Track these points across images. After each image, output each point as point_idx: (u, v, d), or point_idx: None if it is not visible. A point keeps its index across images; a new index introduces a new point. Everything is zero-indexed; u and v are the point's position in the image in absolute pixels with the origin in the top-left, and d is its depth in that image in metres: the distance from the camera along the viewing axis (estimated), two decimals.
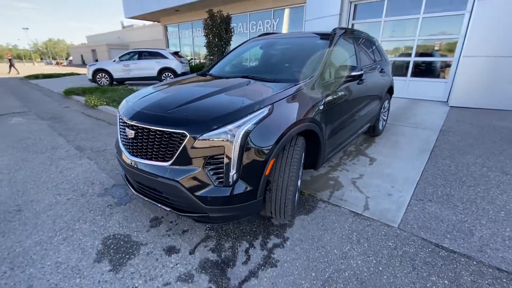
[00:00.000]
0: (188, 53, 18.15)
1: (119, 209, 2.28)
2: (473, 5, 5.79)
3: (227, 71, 2.91)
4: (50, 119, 5.36)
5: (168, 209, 1.77)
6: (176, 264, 1.69)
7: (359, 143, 3.89)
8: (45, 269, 1.64)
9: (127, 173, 1.97)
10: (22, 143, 3.91)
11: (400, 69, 7.36)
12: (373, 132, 3.99)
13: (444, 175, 2.88)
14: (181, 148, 1.59)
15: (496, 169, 3.01)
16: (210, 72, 3.02)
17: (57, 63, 51.88)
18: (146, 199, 1.91)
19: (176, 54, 10.94)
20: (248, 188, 1.65)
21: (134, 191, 2.01)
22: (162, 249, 1.82)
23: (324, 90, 2.23)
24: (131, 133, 1.80)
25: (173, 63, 10.42)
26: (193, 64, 14.91)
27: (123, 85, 9.67)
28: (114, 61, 10.36)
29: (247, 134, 1.58)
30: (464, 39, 6.05)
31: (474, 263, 1.69)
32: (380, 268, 1.65)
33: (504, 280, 1.56)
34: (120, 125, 2.09)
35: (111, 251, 1.79)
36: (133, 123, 1.77)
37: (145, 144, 1.75)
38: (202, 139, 1.55)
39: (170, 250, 1.81)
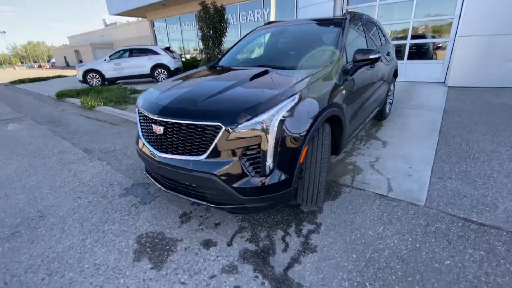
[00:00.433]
0: (177, 48, 17.78)
1: (145, 207, 2.26)
2: None
3: (239, 62, 2.86)
4: (48, 123, 5.20)
5: (204, 203, 1.76)
6: (217, 257, 1.69)
7: (369, 127, 3.92)
8: (85, 272, 1.61)
9: (154, 170, 1.94)
10: (25, 149, 3.79)
11: (396, 53, 7.38)
12: (380, 115, 4.03)
13: (457, 152, 2.95)
14: (216, 140, 1.57)
15: (505, 144, 3.09)
16: (220, 64, 2.97)
17: (40, 66, 50.09)
18: (178, 195, 1.89)
19: (167, 49, 10.69)
20: (284, 177, 1.65)
21: (162, 188, 1.98)
22: (199, 243, 1.82)
23: (343, 75, 2.23)
24: (159, 129, 1.76)
25: (165, 59, 10.19)
26: (184, 59, 14.64)
27: (117, 84, 9.42)
28: (105, 60, 10.06)
29: (281, 123, 1.57)
30: (459, 19, 6.10)
31: (504, 233, 1.75)
32: (418, 245, 1.69)
33: None
34: (142, 122, 2.05)
35: (148, 249, 1.78)
36: (161, 118, 1.73)
37: (175, 139, 1.72)
38: (238, 130, 1.53)
39: (207, 244, 1.81)
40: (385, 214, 2.00)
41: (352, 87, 2.33)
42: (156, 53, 10.24)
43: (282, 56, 2.54)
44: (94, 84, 10.05)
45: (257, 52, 3.02)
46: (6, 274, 1.63)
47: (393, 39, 7.50)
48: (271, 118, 1.55)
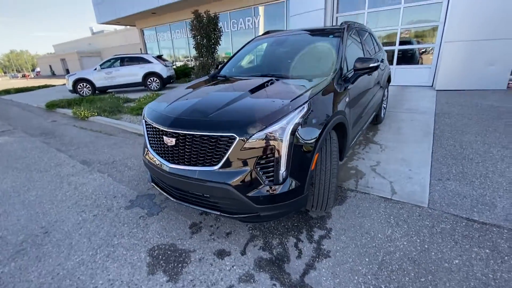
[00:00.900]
0: (167, 56, 17.73)
1: (153, 219, 2.24)
2: None
3: (242, 72, 2.91)
4: (41, 135, 5.08)
5: (217, 212, 1.77)
6: (233, 266, 1.70)
7: (366, 132, 4.03)
8: None
9: (165, 181, 1.94)
10: (20, 162, 3.69)
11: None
12: (376, 120, 4.15)
13: (452, 154, 3.07)
14: (230, 151, 1.60)
15: (496, 144, 3.24)
16: (221, 73, 3.00)
17: (24, 76, 48.72)
18: (189, 205, 1.89)
19: (159, 57, 10.67)
20: (296, 184, 1.69)
21: (172, 199, 1.98)
22: (213, 253, 1.82)
23: (345, 83, 2.31)
24: (171, 141, 1.77)
25: (157, 67, 10.15)
26: (175, 66, 14.60)
27: (108, 94, 9.28)
28: (95, 69, 9.93)
29: (294, 132, 1.61)
30: (444, 26, 6.39)
31: (505, 231, 1.84)
32: (426, 246, 1.75)
33: None
34: (151, 133, 2.05)
35: (161, 262, 1.77)
36: (173, 130, 1.74)
37: (188, 150, 1.73)
38: (252, 140, 1.57)
39: (221, 254, 1.81)
40: (391, 217, 2.06)
41: (353, 95, 2.41)
42: (148, 61, 10.19)
43: (285, 66, 2.61)
44: (84, 94, 9.88)
45: (258, 62, 3.08)
46: None
47: (382, 46, 7.75)
48: (284, 127, 1.59)
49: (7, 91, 13.67)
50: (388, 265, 1.63)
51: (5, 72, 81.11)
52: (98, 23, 17.61)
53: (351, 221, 2.06)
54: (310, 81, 2.11)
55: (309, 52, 2.66)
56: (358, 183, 2.60)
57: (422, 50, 7.29)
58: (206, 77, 3.02)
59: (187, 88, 2.54)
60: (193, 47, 9.67)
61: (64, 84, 10.18)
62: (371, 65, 2.34)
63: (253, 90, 2.04)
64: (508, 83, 6.08)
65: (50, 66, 42.25)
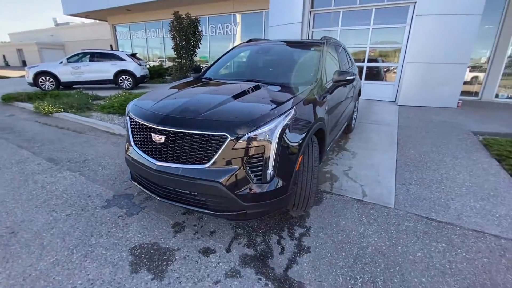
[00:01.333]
0: (140, 56, 17.12)
1: (132, 219, 2.19)
2: (411, 20, 6.85)
3: (227, 75, 2.99)
4: None
5: (204, 211, 1.80)
6: (218, 263, 1.74)
7: (338, 140, 4.31)
8: None
9: (151, 179, 1.92)
10: None
11: None
12: (347, 129, 4.46)
13: (413, 162, 3.43)
14: (221, 149, 1.66)
15: (448, 155, 3.69)
16: (206, 76, 3.05)
17: None
18: (176, 203, 1.90)
19: (133, 56, 10.29)
20: (282, 183, 1.80)
21: (156, 197, 1.96)
22: (197, 251, 1.84)
23: (325, 93, 2.50)
24: (159, 138, 1.78)
25: (131, 65, 9.77)
26: (148, 66, 14.15)
27: (76, 90, 8.67)
28: (61, 63, 9.25)
29: (282, 134, 1.73)
30: (406, 48, 7.11)
31: (458, 228, 2.12)
32: (394, 241, 1.95)
33: (482, 239, 2.00)
34: (136, 130, 2.03)
35: (145, 260, 1.75)
36: (163, 128, 1.76)
37: (177, 148, 1.75)
38: (242, 140, 1.65)
39: (206, 251, 1.84)
40: (363, 216, 2.26)
41: (331, 104, 2.62)
42: (121, 58, 9.77)
43: (270, 73, 2.74)
44: (47, 88, 9.13)
45: (244, 67, 3.18)
46: None
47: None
48: (273, 129, 1.70)
49: None
50: (362, 258, 1.79)
51: None
52: (65, 14, 16.48)
53: (328, 220, 2.21)
54: (295, 88, 2.26)
55: (293, 62, 2.84)
56: (333, 186, 2.79)
57: (387, 69, 8.00)
58: (191, 79, 3.04)
59: (172, 88, 2.55)
60: (172, 48, 9.51)
61: (23, 76, 9.29)
62: (348, 78, 2.57)
63: (242, 94, 2.13)
64: (458, 102, 6.91)
65: (4, 56, 38.17)
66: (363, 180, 2.92)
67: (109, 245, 1.88)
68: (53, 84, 9.24)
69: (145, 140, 1.92)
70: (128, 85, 9.90)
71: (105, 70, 9.58)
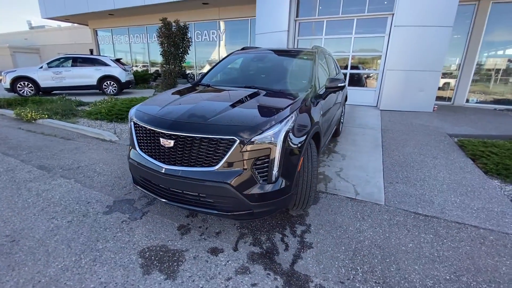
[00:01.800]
0: (123, 61, 16.80)
1: (137, 223, 2.21)
2: (390, 30, 7.32)
3: (225, 82, 3.09)
4: None
5: (214, 211, 1.88)
6: (228, 261, 1.81)
7: (328, 143, 4.51)
8: None
9: (158, 182, 1.97)
10: None
11: None
12: (335, 133, 4.68)
13: (398, 163, 3.68)
14: (229, 152, 1.75)
15: (428, 155, 3.99)
16: (203, 82, 3.13)
17: None
18: (183, 206, 1.95)
19: (118, 61, 10.13)
20: (286, 183, 1.92)
21: (163, 200, 2.01)
22: (206, 251, 1.91)
23: (318, 98, 2.67)
24: (168, 143, 1.85)
25: (116, 70, 9.61)
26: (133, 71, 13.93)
27: (58, 96, 8.37)
28: (41, 67, 8.93)
29: (286, 137, 1.85)
30: (386, 56, 7.56)
31: (442, 221, 2.33)
32: (387, 235, 2.12)
33: (463, 229, 2.22)
34: (141, 135, 2.08)
35: (155, 262, 1.79)
36: (172, 132, 1.83)
37: (187, 152, 1.83)
38: (251, 143, 1.75)
39: (215, 251, 1.91)
40: (358, 213, 2.42)
41: (324, 109, 2.79)
42: (105, 64, 9.58)
43: (268, 80, 2.88)
44: (25, 94, 8.76)
45: (241, 74, 3.29)
46: None
47: None
48: (278, 133, 1.82)
49: None
50: (360, 251, 1.94)
51: None
52: (43, 17, 15.85)
53: (326, 217, 2.35)
54: (293, 94, 2.41)
55: (288, 69, 3.00)
56: (327, 186, 2.95)
57: (368, 75, 8.44)
58: (189, 85, 3.11)
59: (174, 94, 2.62)
60: (160, 54, 9.46)
61: (1, 82, 8.86)
62: (339, 84, 2.76)
63: (244, 100, 2.24)
64: (434, 107, 7.41)
65: None
66: (354, 180, 3.11)
67: (117, 249, 1.90)
68: (32, 90, 8.90)
69: (153, 144, 1.98)
70: (112, 91, 9.71)
71: (89, 75, 9.36)
